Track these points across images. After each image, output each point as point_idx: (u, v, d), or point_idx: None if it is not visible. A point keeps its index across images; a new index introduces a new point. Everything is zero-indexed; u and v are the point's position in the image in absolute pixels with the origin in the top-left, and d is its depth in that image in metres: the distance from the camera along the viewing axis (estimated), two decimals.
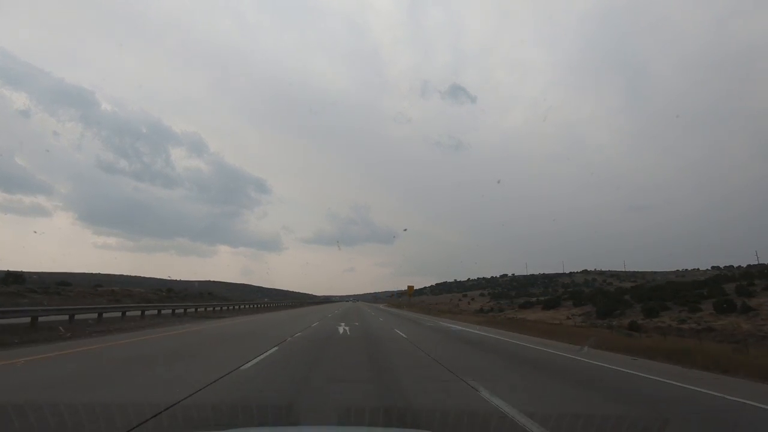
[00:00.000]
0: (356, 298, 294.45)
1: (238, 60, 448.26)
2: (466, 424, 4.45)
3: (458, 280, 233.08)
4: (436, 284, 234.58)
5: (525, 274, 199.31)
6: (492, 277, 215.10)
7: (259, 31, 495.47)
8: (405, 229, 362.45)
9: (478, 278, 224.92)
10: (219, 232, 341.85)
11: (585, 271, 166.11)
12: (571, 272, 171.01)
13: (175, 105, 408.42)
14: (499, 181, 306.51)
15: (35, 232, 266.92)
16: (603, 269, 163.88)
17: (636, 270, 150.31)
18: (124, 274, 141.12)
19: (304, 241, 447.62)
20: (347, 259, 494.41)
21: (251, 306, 47.62)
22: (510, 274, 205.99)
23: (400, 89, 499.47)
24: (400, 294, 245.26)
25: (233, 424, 4.07)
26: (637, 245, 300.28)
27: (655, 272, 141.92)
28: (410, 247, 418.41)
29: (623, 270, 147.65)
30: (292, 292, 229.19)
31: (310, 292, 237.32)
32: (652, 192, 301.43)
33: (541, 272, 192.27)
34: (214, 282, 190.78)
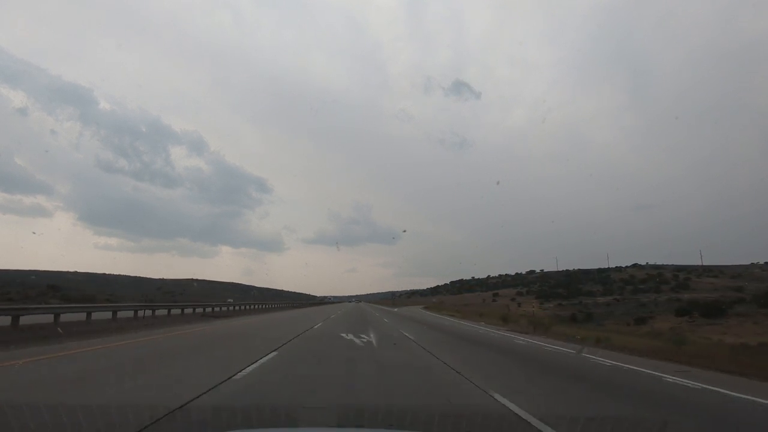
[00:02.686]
0: (358, 298, 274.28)
1: (237, 57, 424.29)
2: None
3: (476, 277, 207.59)
4: (451, 282, 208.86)
5: (556, 270, 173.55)
6: (517, 273, 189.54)
7: (258, 28, 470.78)
8: (404, 231, 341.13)
9: (499, 275, 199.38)
10: (220, 232, 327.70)
11: (636, 266, 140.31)
12: (618, 266, 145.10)
13: (174, 103, 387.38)
14: (498, 183, 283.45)
15: (34, 233, 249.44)
16: (657, 263, 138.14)
17: (711, 264, 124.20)
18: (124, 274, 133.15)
19: (306, 241, 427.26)
20: (349, 259, 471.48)
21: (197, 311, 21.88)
22: (538, 270, 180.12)
23: (401, 86, 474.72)
24: (409, 294, 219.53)
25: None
26: (660, 240, 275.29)
27: (737, 266, 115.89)
28: (412, 248, 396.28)
29: (698, 264, 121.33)
30: (290, 292, 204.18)
31: (310, 293, 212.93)
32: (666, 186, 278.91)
33: (574, 267, 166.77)
34: (205, 281, 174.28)
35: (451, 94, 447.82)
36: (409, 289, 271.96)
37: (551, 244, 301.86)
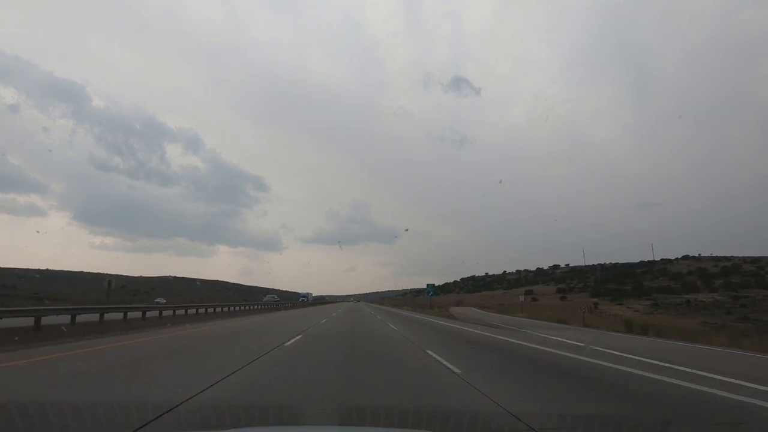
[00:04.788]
0: (357, 297, 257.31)
1: (233, 54, 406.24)
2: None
3: (490, 273, 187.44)
4: (462, 280, 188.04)
5: (583, 264, 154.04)
6: (538, 268, 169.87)
7: (255, 24, 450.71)
8: (406, 230, 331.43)
9: (517, 271, 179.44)
10: (217, 232, 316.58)
11: (687, 257, 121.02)
12: (664, 259, 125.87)
13: (170, 100, 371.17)
14: (501, 181, 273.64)
15: (38, 231, 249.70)
16: (714, 254, 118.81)
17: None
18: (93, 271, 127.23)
19: (304, 241, 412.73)
20: (348, 258, 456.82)
21: None
22: (564, 265, 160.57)
23: (400, 82, 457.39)
24: (417, 293, 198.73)
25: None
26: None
27: None
28: (412, 247, 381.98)
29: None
30: (286, 291, 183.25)
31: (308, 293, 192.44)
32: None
33: (606, 261, 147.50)
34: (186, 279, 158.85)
35: (451, 90, 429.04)
36: (409, 288, 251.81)
37: (553, 241, 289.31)
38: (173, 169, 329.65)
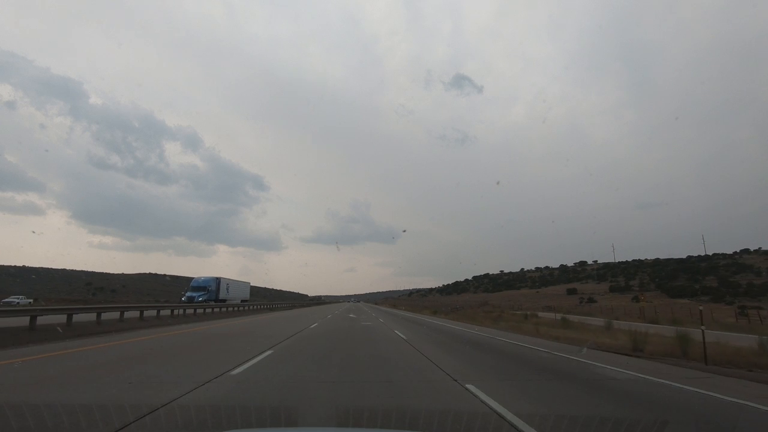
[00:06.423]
0: (357, 298, 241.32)
1: (231, 51, 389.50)
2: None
3: (506, 271, 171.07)
4: (474, 278, 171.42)
5: (613, 260, 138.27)
6: (561, 265, 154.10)
7: (253, 21, 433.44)
8: (404, 231, 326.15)
9: (537, 268, 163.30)
10: (217, 231, 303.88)
11: (747, 251, 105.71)
12: (718, 254, 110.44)
13: (168, 98, 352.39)
14: (498, 183, 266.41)
15: (33, 232, 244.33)
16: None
17: None
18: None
19: (304, 240, 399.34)
20: (348, 258, 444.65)
21: None
22: (592, 261, 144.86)
23: (401, 80, 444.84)
24: (425, 293, 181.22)
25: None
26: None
27: None
28: (412, 247, 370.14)
29: None
30: (290, 292, 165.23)
31: (306, 293, 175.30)
32: None
33: (633, 258, 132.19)
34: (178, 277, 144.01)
35: (452, 88, 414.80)
36: (412, 288, 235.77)
37: (553, 241, 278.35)
38: (172, 167, 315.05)
